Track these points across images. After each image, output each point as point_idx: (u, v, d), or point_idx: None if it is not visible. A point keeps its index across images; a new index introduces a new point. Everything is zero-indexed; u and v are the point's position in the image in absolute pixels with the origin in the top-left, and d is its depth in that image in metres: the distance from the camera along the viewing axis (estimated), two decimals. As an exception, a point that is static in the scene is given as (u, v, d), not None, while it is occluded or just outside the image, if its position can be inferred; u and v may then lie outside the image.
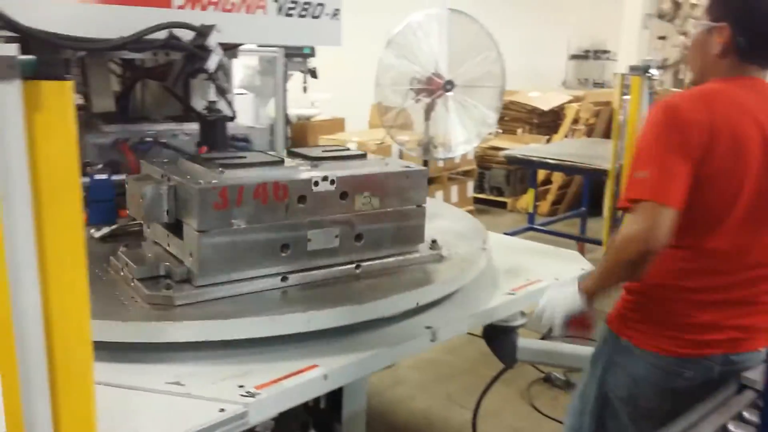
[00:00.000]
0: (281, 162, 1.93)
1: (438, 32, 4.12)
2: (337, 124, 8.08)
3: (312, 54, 8.09)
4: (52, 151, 0.99)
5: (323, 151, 2.10)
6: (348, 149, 2.24)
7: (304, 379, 1.51)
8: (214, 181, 1.68)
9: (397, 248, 2.00)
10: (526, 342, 2.31)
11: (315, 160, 1.97)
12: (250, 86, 6.83)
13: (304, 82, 8.09)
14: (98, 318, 1.38)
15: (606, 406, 1.89)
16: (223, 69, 2.29)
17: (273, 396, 1.44)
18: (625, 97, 4.69)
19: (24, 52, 0.94)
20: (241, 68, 6.82)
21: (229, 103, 2.36)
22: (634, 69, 4.54)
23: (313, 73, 8.32)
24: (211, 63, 2.17)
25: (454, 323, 1.89)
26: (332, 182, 1.83)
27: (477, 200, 7.89)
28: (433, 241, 2.13)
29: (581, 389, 1.98)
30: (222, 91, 2.32)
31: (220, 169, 1.77)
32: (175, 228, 1.77)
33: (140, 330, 1.55)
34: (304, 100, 7.96)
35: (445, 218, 2.60)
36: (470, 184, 7.56)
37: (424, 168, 2.09)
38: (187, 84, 2.57)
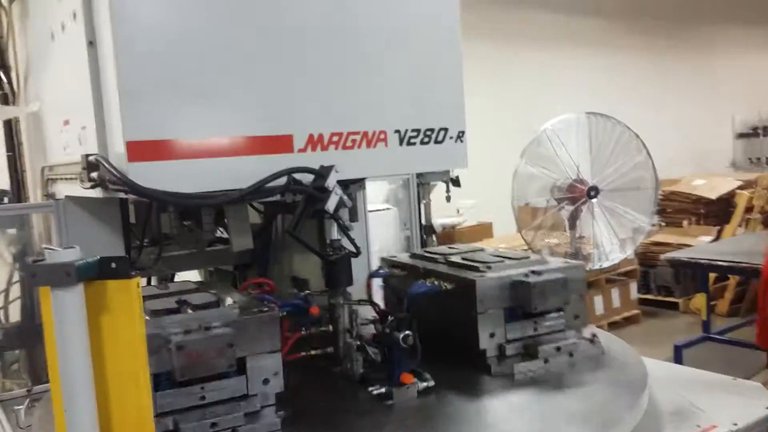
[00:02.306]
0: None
1: (576, 137, 3.94)
2: (484, 230, 7.94)
3: (457, 167, 8.13)
4: (120, 350, 0.94)
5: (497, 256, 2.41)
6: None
7: None
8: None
9: None
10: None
11: (520, 260, 2.28)
12: (394, 200, 6.96)
13: (447, 191, 8.11)
14: None
15: None
16: (346, 205, 2.26)
17: None
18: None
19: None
20: (385, 184, 7.00)
21: (352, 240, 2.32)
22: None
23: (456, 182, 8.31)
24: (331, 203, 2.16)
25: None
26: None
27: (642, 302, 7.28)
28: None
29: None
30: (344, 229, 2.29)
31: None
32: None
33: None
34: (450, 208, 7.97)
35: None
36: (633, 286, 7.01)
37: (581, 263, 2.39)
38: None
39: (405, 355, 1.99)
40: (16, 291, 3.08)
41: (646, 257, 7.49)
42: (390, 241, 6.79)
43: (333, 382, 2.11)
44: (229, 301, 1.83)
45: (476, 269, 2.27)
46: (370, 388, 2.00)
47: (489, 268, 2.25)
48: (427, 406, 1.95)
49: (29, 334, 2.80)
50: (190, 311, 1.66)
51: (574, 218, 3.78)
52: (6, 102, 3.17)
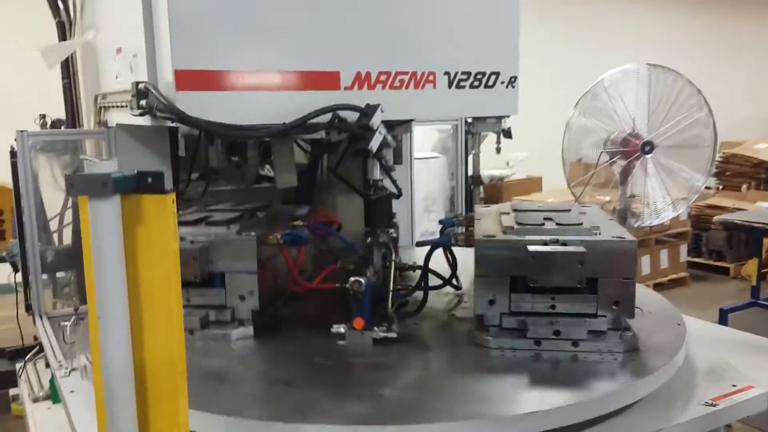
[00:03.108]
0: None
1: (636, 89, 3.79)
2: (533, 184, 7.83)
3: (507, 114, 7.96)
4: (155, 264, 0.96)
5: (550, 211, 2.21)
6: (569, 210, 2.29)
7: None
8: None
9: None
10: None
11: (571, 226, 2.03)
12: (443, 149, 6.88)
13: (498, 142, 7.96)
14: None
15: None
16: (389, 146, 2.24)
17: None
18: None
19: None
20: (435, 132, 6.92)
21: (394, 181, 2.30)
22: None
23: (508, 134, 8.15)
24: (374, 143, 2.14)
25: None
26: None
27: (692, 265, 7.11)
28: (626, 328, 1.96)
29: None
30: (387, 170, 2.27)
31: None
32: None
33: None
34: (499, 160, 7.85)
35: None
36: (683, 248, 6.84)
37: (634, 239, 2.01)
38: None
39: (356, 302, 1.97)
40: (70, 216, 3.19)
41: (700, 220, 7.28)
42: (436, 190, 6.76)
43: (335, 316, 2.06)
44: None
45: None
46: (333, 327, 1.99)
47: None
48: (364, 355, 1.93)
49: (79, 256, 2.88)
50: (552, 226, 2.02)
51: (626, 174, 3.67)
52: (63, 30, 3.22)
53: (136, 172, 0.94)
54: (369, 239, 2.19)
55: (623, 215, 3.78)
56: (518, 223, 2.06)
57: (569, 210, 2.29)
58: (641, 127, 3.61)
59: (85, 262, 0.95)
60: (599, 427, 1.61)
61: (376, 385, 1.70)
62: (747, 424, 1.90)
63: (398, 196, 2.35)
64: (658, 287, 6.43)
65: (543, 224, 2.04)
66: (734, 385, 1.86)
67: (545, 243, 1.90)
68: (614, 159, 3.70)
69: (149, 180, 0.94)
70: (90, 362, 1.64)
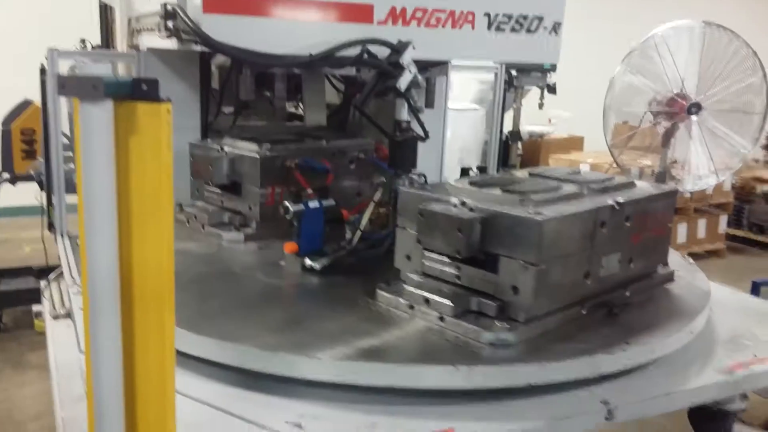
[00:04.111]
0: (561, 188, 1.82)
1: (688, 48, 3.61)
2: (574, 143, 7.64)
3: (552, 69, 7.71)
4: (146, 174, 0.93)
5: (571, 174, 1.99)
6: (579, 172, 2.08)
7: (433, 447, 1.31)
8: (545, 212, 1.58)
9: (648, 269, 2.00)
10: (743, 430, 1.86)
11: (587, 185, 1.87)
12: (482, 102, 6.71)
13: (541, 98, 7.73)
14: (465, 364, 1.44)
15: None
16: (420, 86, 2.17)
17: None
18: None
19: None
20: (476, 83, 6.75)
21: (421, 124, 2.24)
22: None
23: (552, 89, 7.88)
24: (403, 81, 2.07)
25: (641, 401, 1.55)
26: (621, 206, 1.79)
27: (731, 237, 6.91)
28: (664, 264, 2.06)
29: None
30: (415, 111, 2.21)
31: (530, 197, 1.67)
32: (470, 258, 1.65)
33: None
34: (542, 116, 7.66)
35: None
36: (723, 219, 6.63)
37: (675, 188, 2.13)
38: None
39: (289, 225, 2.05)
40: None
41: (743, 191, 7.04)
42: (473, 143, 6.63)
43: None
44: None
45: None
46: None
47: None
48: (285, 278, 2.02)
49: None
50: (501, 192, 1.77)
51: (668, 135, 3.53)
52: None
53: (131, 78, 0.90)
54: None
55: (662, 179, 3.65)
56: (477, 182, 1.83)
57: (578, 182, 1.90)
58: (690, 88, 3.44)
59: (77, 171, 0.92)
60: (608, 384, 1.57)
61: (254, 308, 1.77)
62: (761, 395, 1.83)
63: (424, 139, 2.28)
64: (692, 257, 6.28)
65: (498, 186, 1.76)
66: (755, 355, 1.79)
67: (454, 205, 1.68)
68: (658, 119, 3.56)
69: (144, 87, 0.90)
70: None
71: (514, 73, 7.77)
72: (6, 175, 4.36)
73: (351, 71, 2.30)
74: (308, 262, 2.00)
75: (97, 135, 0.88)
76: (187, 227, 2.46)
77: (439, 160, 3.57)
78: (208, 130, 2.91)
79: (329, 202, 2.10)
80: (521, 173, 2.07)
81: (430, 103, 2.69)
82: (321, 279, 1.99)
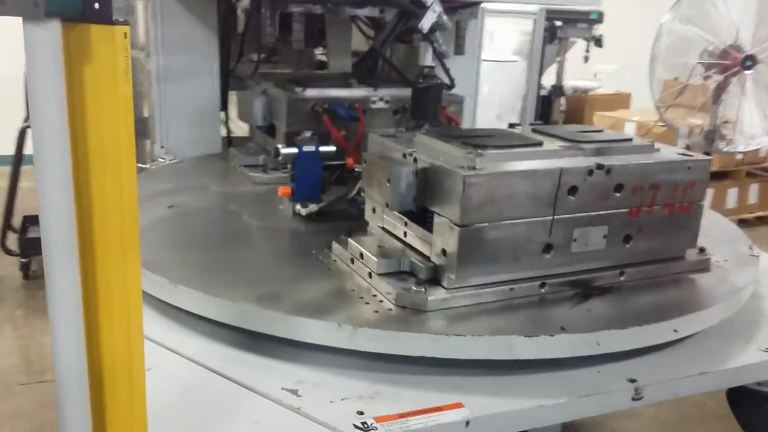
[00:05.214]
0: (539, 144, 1.61)
1: (745, -6, 3.33)
2: (620, 100, 7.31)
3: (599, 20, 7.34)
4: (103, 108, 0.82)
5: (580, 132, 1.74)
6: (601, 130, 1.83)
7: (438, 422, 1.20)
8: (478, 167, 1.41)
9: (664, 252, 1.67)
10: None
11: (578, 143, 1.62)
12: (525, 53, 6.42)
13: (587, 50, 7.35)
14: (354, 324, 1.31)
15: None
16: (445, 28, 2.00)
17: (391, 436, 1.16)
18: None
19: None
20: (517, 34, 6.45)
21: (447, 70, 2.07)
22: None
23: (599, 42, 7.53)
24: (426, 22, 1.91)
25: (673, 380, 1.41)
26: (608, 172, 1.52)
27: (784, 204, 6.57)
28: (701, 249, 1.73)
29: None
30: (440, 56, 2.04)
31: (478, 150, 1.48)
32: (416, 215, 1.54)
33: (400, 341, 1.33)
34: (588, 71, 7.33)
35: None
36: (777, 184, 6.29)
37: (706, 158, 1.71)
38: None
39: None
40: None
41: (801, 155, 6.66)
42: (512, 97, 6.38)
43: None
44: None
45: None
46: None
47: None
48: (273, 222, 1.95)
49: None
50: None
51: (720, 91, 3.28)
52: None
53: (81, -4, 0.77)
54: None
55: (711, 137, 3.42)
56: (445, 134, 1.68)
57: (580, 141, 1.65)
58: (744, 39, 3.18)
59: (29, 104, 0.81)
60: (637, 359, 1.43)
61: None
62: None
63: (450, 87, 2.12)
64: (742, 223, 5.99)
65: (460, 139, 1.58)
66: (806, 334, 1.63)
67: (404, 155, 1.55)
68: (709, 73, 3.31)
69: (96, 6, 0.78)
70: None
71: (558, 23, 7.40)
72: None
73: (374, 12, 2.14)
74: (297, 207, 1.93)
75: (43, 63, 0.76)
76: (231, 166, 2.50)
77: (472, 112, 3.39)
78: (229, 77, 2.80)
79: (329, 148, 1.98)
80: (523, 129, 1.84)
81: (460, 50, 2.51)
82: (305, 225, 1.91)
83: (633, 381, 1.37)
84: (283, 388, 1.27)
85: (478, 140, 1.56)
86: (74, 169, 0.82)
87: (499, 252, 1.44)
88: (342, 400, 1.24)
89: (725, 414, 2.00)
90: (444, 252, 1.43)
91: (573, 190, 1.49)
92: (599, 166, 1.51)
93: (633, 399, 1.36)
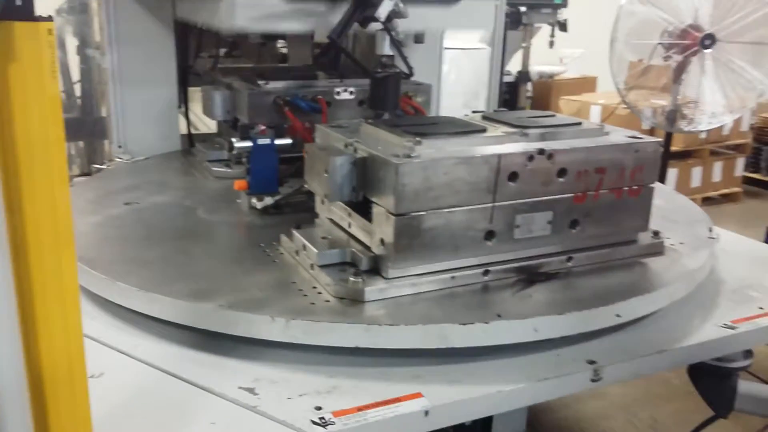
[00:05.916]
0: (483, 130, 1.59)
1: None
2: (586, 84, 7.36)
3: (563, 4, 7.34)
4: (29, 108, 0.79)
5: (529, 117, 1.74)
6: (554, 115, 1.83)
7: (396, 413, 1.19)
8: (414, 155, 1.40)
9: (614, 237, 1.66)
10: (750, 387, 1.74)
11: (522, 129, 1.61)
12: (492, 41, 6.42)
13: (552, 35, 7.38)
14: (288, 316, 1.30)
15: None
16: (402, 16, 1.97)
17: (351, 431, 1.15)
18: None
19: None
20: (482, 21, 6.45)
21: (405, 59, 2.06)
22: None
23: (563, 26, 7.54)
24: (382, 10, 1.88)
25: (632, 360, 1.42)
26: (549, 157, 1.51)
27: (748, 180, 6.68)
28: (655, 233, 1.73)
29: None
30: (397, 45, 2.02)
31: (417, 138, 1.47)
32: (360, 206, 1.53)
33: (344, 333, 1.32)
34: (553, 56, 7.35)
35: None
36: (740, 161, 6.40)
37: (656, 140, 1.69)
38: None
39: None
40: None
41: (763, 133, 6.76)
42: (479, 84, 6.37)
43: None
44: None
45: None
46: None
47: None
48: (226, 216, 1.94)
49: (86, 126, 2.80)
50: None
51: (680, 70, 3.31)
52: None
53: (-3, -7, 0.74)
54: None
55: (672, 117, 3.45)
56: (391, 123, 1.72)
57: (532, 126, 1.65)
58: (703, 18, 3.21)
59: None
60: (596, 341, 1.44)
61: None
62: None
63: (408, 76, 2.11)
64: (706, 201, 6.08)
65: (402, 127, 1.56)
66: (761, 308, 1.65)
67: (345, 145, 1.55)
68: (669, 53, 3.33)
69: (18, 2, 0.75)
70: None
71: (522, 9, 7.38)
72: None
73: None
74: (253, 201, 1.92)
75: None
76: (197, 161, 2.47)
77: (436, 102, 3.38)
78: (187, 73, 2.76)
79: (285, 140, 1.96)
80: (474, 116, 1.82)
81: (420, 38, 2.49)
82: (261, 219, 1.90)
83: (592, 362, 1.38)
84: (239, 387, 1.25)
85: (421, 128, 1.55)
86: (2, 170, 0.80)
87: (439, 240, 1.43)
88: (300, 396, 1.23)
89: (691, 391, 2.03)
90: (382, 242, 1.43)
91: (513, 176, 1.48)
92: (540, 151, 1.50)
93: (592, 380, 1.37)
